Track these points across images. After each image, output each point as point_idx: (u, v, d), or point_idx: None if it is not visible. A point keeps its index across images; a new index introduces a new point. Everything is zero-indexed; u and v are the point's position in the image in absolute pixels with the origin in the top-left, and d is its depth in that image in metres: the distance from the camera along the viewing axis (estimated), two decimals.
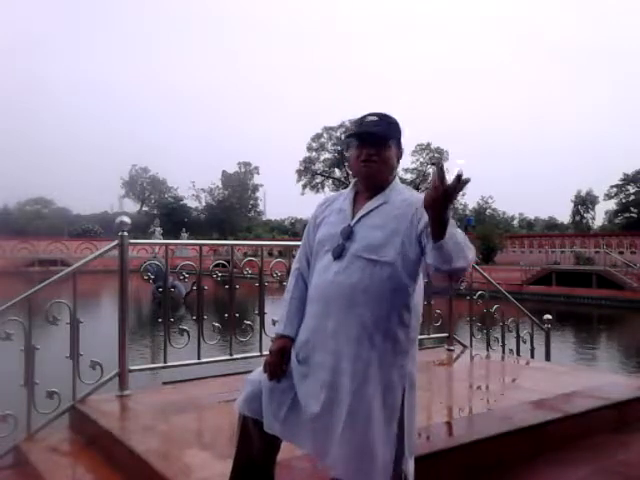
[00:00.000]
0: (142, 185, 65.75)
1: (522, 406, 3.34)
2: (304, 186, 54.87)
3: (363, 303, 1.78)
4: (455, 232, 1.65)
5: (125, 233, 3.54)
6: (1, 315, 3.08)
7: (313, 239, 1.99)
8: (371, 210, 1.88)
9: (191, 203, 65.99)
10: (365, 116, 1.92)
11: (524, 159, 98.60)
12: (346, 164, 52.96)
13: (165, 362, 3.81)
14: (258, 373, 1.95)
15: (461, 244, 1.66)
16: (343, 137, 52.60)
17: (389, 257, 1.79)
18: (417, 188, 54.95)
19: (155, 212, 61.49)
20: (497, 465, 2.73)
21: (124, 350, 3.53)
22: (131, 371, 3.56)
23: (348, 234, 1.85)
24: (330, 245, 1.87)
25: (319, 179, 55.35)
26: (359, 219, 1.87)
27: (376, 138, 1.87)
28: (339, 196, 2.04)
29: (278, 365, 1.89)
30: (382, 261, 1.78)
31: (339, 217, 1.92)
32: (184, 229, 45.45)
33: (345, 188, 2.08)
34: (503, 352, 5.09)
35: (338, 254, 1.83)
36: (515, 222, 62.64)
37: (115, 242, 3.54)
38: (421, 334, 4.91)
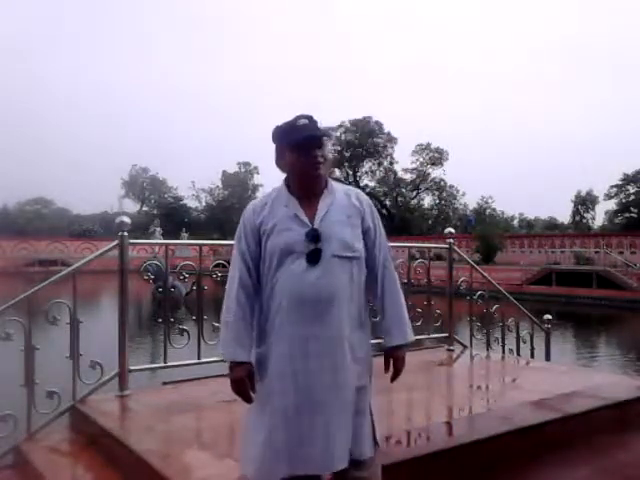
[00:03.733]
0: (142, 185, 65.63)
1: (522, 406, 3.34)
2: None
3: (347, 300, 1.86)
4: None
5: (125, 233, 3.55)
6: (1, 315, 3.09)
7: (257, 249, 1.91)
8: (328, 210, 1.90)
9: (191, 203, 65.99)
10: (296, 120, 1.92)
11: (524, 159, 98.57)
12: (346, 164, 52.96)
13: (165, 362, 3.82)
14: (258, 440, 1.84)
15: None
16: (344, 137, 52.62)
17: (359, 251, 1.92)
18: (417, 188, 54.98)
19: (155, 212, 61.40)
20: (497, 465, 2.73)
21: (124, 350, 3.53)
22: (131, 371, 3.57)
23: (316, 236, 1.84)
24: (300, 250, 1.83)
25: None
26: (321, 220, 1.87)
27: (320, 140, 1.91)
28: (273, 201, 1.95)
29: (249, 393, 1.86)
30: (356, 256, 1.90)
31: (295, 222, 1.87)
32: (184, 229, 45.43)
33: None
34: (503, 352, 5.08)
35: (315, 258, 1.82)
36: (515, 222, 62.65)
37: (115, 242, 3.54)
38: (421, 334, 4.93)
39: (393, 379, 1.98)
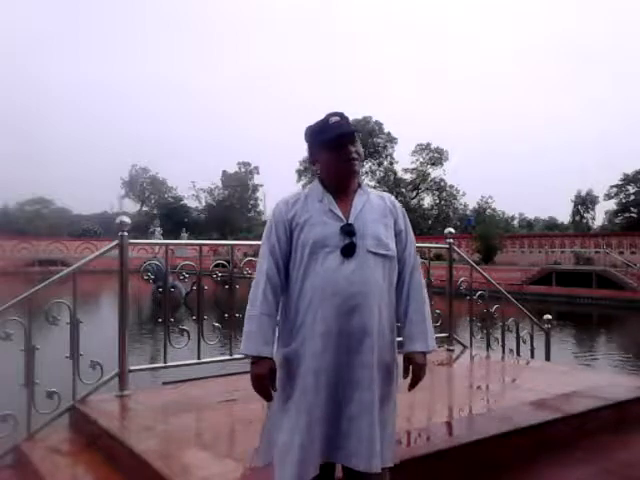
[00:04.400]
0: (142, 185, 65.60)
1: (522, 406, 3.34)
2: (304, 186, 54.70)
3: (379, 296, 1.84)
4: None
5: (125, 233, 3.55)
6: (1, 315, 3.09)
7: (287, 244, 1.89)
8: (363, 207, 1.91)
9: (191, 203, 66.00)
10: (328, 118, 1.92)
11: (524, 159, 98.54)
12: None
13: (165, 362, 3.82)
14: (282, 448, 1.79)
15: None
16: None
17: (393, 251, 1.91)
18: (417, 188, 54.99)
19: (155, 212, 61.43)
20: (497, 465, 2.73)
21: (124, 350, 3.53)
22: (131, 371, 3.56)
23: (352, 232, 1.84)
24: (334, 244, 1.82)
25: None
26: (356, 216, 1.88)
27: (353, 137, 1.92)
28: (307, 197, 1.95)
29: (269, 390, 1.83)
30: (389, 255, 1.89)
31: (329, 216, 1.87)
32: (184, 229, 45.45)
33: None
34: (503, 352, 5.08)
35: (349, 251, 1.81)
36: (515, 222, 62.61)
37: (115, 242, 3.54)
38: None
39: (412, 387, 1.94)
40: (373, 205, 1.94)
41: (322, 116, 1.95)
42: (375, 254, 1.85)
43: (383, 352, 1.86)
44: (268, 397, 1.84)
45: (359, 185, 1.96)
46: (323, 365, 1.78)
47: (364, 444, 1.77)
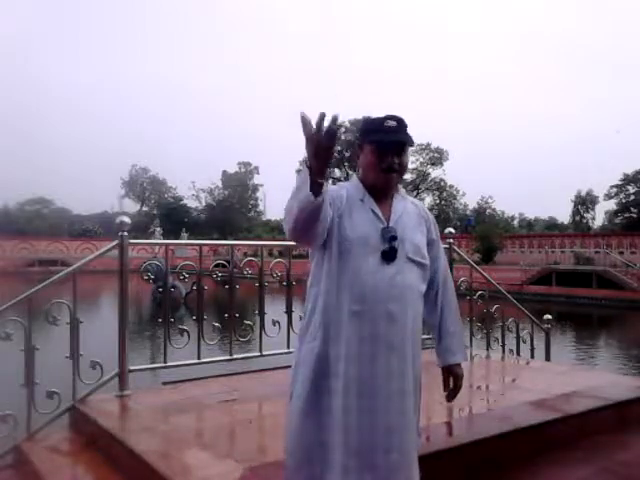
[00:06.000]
0: (142, 185, 65.61)
1: (522, 406, 3.34)
2: None
3: (413, 304, 1.82)
4: None
5: (125, 233, 3.54)
6: (1, 315, 3.09)
7: (334, 204, 1.76)
8: (402, 213, 1.88)
9: (191, 203, 65.92)
10: (384, 120, 1.84)
11: (524, 159, 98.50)
12: (346, 164, 53.01)
13: (165, 362, 3.82)
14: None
15: None
16: (344, 137, 52.59)
17: (427, 260, 1.90)
18: (417, 188, 54.97)
19: (155, 212, 61.37)
20: (497, 465, 2.73)
21: (124, 350, 3.53)
22: (131, 371, 3.56)
23: (393, 236, 1.80)
24: (374, 246, 1.78)
25: None
26: (396, 221, 1.85)
27: (403, 147, 1.85)
28: (348, 190, 1.88)
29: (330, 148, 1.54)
30: (424, 263, 1.88)
31: (370, 216, 1.83)
32: (184, 229, 45.42)
33: None
34: (503, 352, 5.08)
35: (391, 256, 1.78)
36: (515, 222, 62.58)
37: (115, 242, 3.54)
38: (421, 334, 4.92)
39: (452, 398, 1.96)
40: (410, 212, 1.92)
41: (379, 115, 1.87)
42: (412, 261, 1.82)
43: (416, 361, 1.84)
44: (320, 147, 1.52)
45: (397, 190, 1.93)
46: (355, 372, 1.73)
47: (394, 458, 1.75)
